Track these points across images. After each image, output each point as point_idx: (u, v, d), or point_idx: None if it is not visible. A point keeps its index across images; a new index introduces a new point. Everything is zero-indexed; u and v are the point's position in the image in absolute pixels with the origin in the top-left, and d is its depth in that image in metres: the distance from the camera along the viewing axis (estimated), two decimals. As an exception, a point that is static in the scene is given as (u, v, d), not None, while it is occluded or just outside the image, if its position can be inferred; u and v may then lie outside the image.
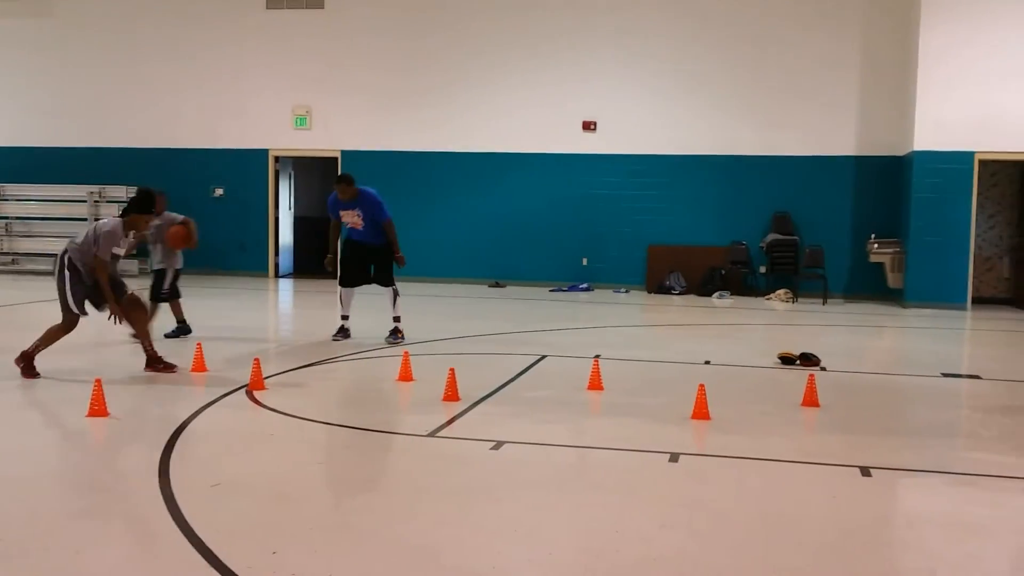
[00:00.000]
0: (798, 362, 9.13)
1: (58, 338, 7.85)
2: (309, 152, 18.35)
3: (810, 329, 12.58)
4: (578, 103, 17.08)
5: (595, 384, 7.69)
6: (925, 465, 5.80)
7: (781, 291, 15.98)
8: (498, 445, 5.90)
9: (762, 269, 16.47)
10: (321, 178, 19.71)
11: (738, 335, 12.21)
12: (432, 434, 6.20)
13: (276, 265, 18.50)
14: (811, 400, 7.22)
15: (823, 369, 8.88)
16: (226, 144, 18.39)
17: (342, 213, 10.02)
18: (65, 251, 7.82)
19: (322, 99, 18.00)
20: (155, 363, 8.04)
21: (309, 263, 19.26)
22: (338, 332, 10.08)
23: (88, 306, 7.87)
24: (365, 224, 9.94)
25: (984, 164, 15.20)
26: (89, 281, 7.77)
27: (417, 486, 5.16)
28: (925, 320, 13.51)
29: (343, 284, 10.18)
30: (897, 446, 6.34)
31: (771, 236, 16.25)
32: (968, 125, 14.64)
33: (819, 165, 16.33)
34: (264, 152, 18.31)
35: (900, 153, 15.84)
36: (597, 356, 9.14)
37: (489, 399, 7.31)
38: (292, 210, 19.29)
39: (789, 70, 16.35)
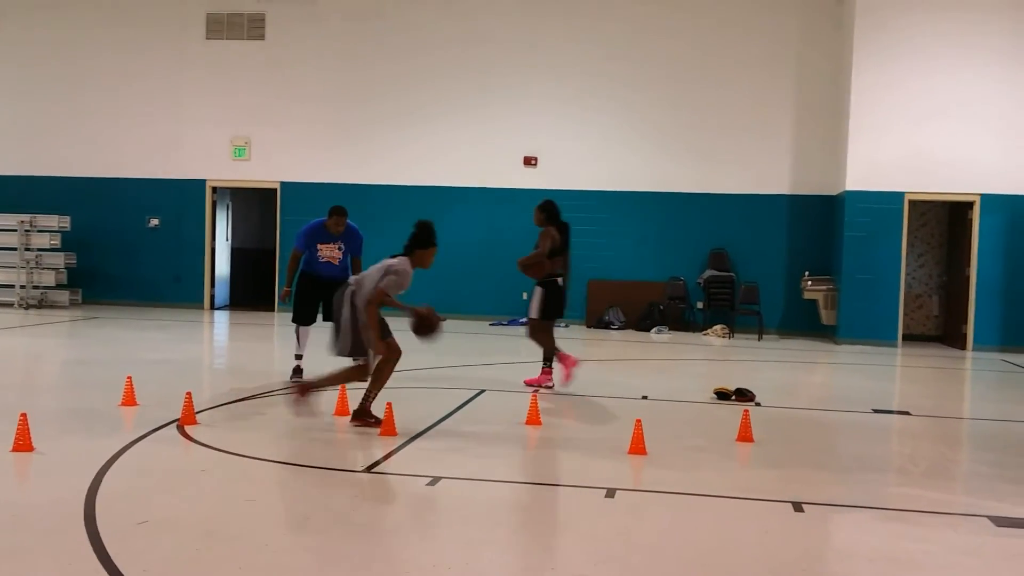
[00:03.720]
0: (733, 397, 9.22)
1: (389, 375, 7.43)
2: (247, 183, 18.19)
3: (746, 365, 12.73)
4: (519, 138, 17.20)
5: (533, 419, 7.68)
6: (856, 500, 5.88)
7: (718, 327, 16.17)
8: (435, 480, 5.85)
9: (699, 305, 16.66)
10: (259, 209, 19.55)
11: (675, 370, 12.32)
12: (368, 470, 6.13)
13: (212, 297, 18.26)
14: (746, 435, 7.29)
15: (758, 404, 8.98)
16: (163, 174, 18.16)
17: (321, 246, 9.55)
18: (350, 291, 7.36)
19: (261, 130, 17.89)
20: (366, 416, 7.40)
21: (246, 295, 19.05)
22: (296, 373, 9.53)
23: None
24: (342, 259, 9.66)
25: (914, 204, 15.61)
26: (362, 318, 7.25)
27: (351, 523, 5.09)
28: (857, 356, 13.76)
29: (303, 322, 9.66)
30: (829, 481, 6.42)
31: (708, 272, 16.47)
32: (898, 166, 15.04)
33: (755, 203, 16.63)
34: (202, 183, 18.11)
35: (833, 192, 16.20)
36: (535, 390, 9.14)
37: (427, 434, 7.26)
38: (229, 241, 19.08)
39: (727, 110, 16.67)
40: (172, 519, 4.96)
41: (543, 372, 9.70)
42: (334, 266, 9.66)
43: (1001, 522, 5.34)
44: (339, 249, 9.64)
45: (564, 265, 9.72)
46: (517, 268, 9.73)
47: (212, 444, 6.64)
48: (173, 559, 4.39)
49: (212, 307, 18.22)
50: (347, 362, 7.46)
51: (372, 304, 7.14)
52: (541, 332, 9.58)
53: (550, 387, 9.59)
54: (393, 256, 7.44)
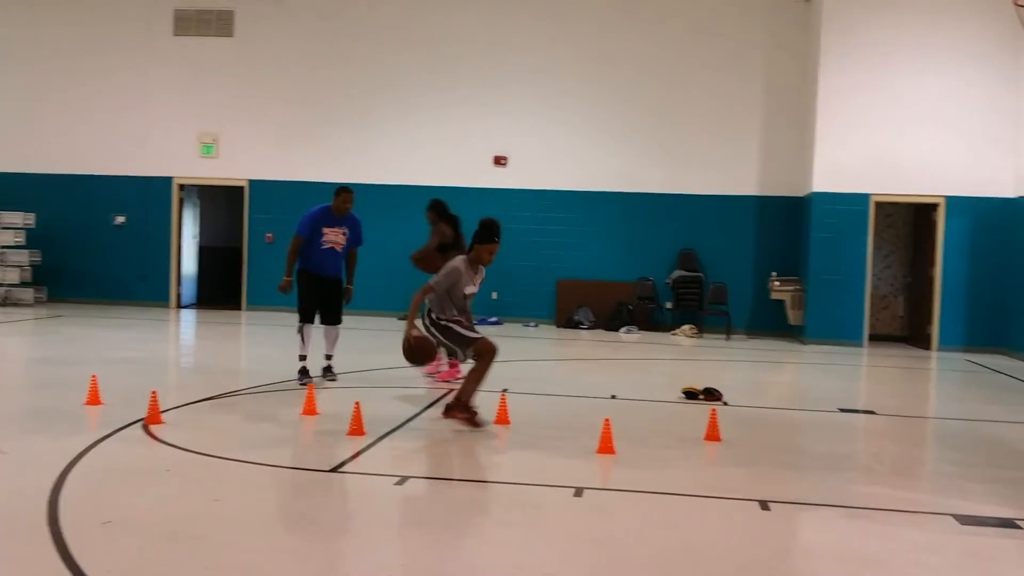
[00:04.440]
0: (701, 397, 9.26)
1: (487, 371, 7.60)
2: (215, 181, 18.04)
3: (713, 364, 12.79)
4: (490, 138, 17.18)
5: (502, 418, 7.68)
6: (822, 499, 5.92)
7: (686, 326, 16.24)
8: (402, 480, 5.84)
9: (668, 305, 16.72)
10: (227, 207, 19.39)
11: (644, 370, 12.36)
12: (335, 469, 6.10)
13: (178, 295, 18.10)
14: (713, 435, 7.32)
15: (725, 404, 9.03)
16: (129, 171, 17.97)
17: (327, 230, 9.35)
18: (429, 310, 7.64)
19: (229, 128, 17.75)
20: (465, 411, 7.50)
21: (213, 293, 18.89)
22: (303, 374, 9.41)
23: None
24: (344, 247, 9.50)
25: (880, 206, 15.75)
26: (455, 314, 7.61)
27: (318, 523, 5.06)
28: (824, 356, 13.87)
29: (310, 320, 9.48)
30: (795, 480, 6.47)
31: (677, 272, 16.54)
32: (864, 168, 15.17)
33: (723, 204, 16.72)
34: (168, 180, 17.94)
35: (800, 194, 16.32)
36: (504, 390, 9.13)
37: (395, 433, 7.23)
38: (197, 239, 18.91)
39: (695, 110, 16.75)
40: (136, 519, 4.91)
41: (451, 367, 9.96)
42: (336, 254, 9.48)
43: (965, 520, 5.40)
44: (343, 234, 9.49)
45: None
46: (410, 262, 10.24)
47: (177, 444, 6.58)
48: (137, 559, 4.34)
49: (179, 305, 18.06)
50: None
51: (416, 292, 7.53)
52: None
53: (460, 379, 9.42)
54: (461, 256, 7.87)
